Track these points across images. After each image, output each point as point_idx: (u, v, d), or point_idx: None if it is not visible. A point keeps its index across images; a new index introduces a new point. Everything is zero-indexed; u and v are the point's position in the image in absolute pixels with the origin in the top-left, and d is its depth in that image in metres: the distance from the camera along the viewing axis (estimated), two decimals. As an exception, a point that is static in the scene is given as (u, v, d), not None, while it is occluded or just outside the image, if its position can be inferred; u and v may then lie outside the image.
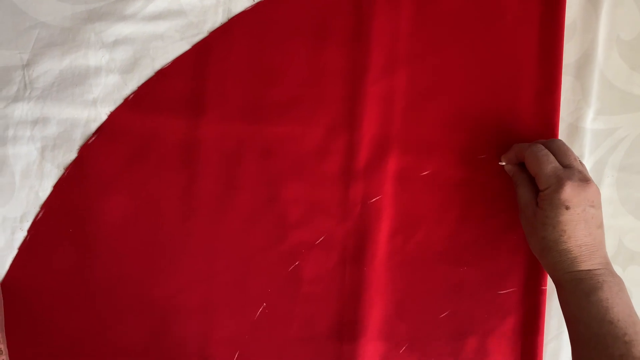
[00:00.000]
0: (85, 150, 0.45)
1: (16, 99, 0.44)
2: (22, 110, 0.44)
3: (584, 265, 0.41)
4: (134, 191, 0.46)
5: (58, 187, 0.45)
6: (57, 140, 0.45)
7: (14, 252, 0.45)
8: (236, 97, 0.46)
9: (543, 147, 0.43)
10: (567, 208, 0.40)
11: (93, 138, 0.45)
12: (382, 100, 0.47)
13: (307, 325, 0.47)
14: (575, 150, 0.47)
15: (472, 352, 0.48)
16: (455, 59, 0.48)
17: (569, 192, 0.40)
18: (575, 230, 0.40)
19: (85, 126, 0.45)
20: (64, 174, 0.45)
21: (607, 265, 0.42)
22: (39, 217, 0.45)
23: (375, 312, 0.48)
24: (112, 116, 0.45)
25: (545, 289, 0.49)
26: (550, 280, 0.49)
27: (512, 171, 0.46)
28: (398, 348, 0.48)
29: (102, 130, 0.45)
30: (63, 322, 0.45)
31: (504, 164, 0.47)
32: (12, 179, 0.44)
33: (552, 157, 0.42)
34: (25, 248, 0.45)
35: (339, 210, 0.48)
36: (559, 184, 0.40)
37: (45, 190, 0.45)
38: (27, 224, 0.45)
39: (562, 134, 0.49)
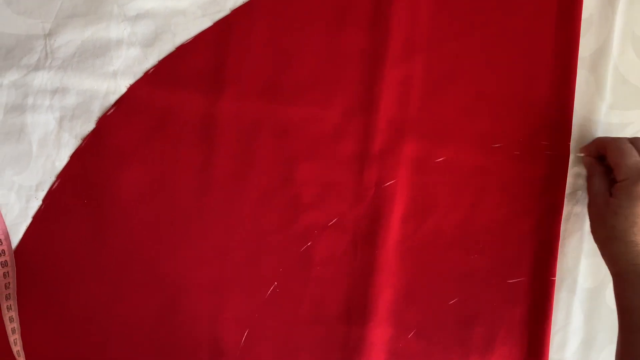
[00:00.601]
0: (104, 121, 0.45)
1: (37, 67, 0.44)
2: (42, 79, 0.44)
3: None
4: (150, 165, 0.46)
5: (75, 157, 0.45)
6: (76, 111, 0.45)
7: (28, 221, 0.45)
8: (255, 75, 0.47)
9: (627, 141, 0.44)
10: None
11: (112, 110, 0.45)
12: (399, 84, 0.48)
13: (317, 306, 0.47)
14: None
15: (479, 340, 0.49)
16: (473, 47, 0.48)
17: None
18: (630, 238, 0.41)
19: (104, 98, 0.45)
20: (81, 144, 0.45)
21: None
22: (54, 186, 0.45)
23: (385, 296, 0.48)
24: (132, 89, 0.45)
25: (554, 279, 0.49)
26: (559, 271, 0.49)
27: (589, 162, 0.47)
28: (406, 334, 0.48)
29: (121, 102, 0.45)
30: (74, 293, 0.45)
31: (582, 155, 0.48)
32: (30, 147, 0.44)
33: (635, 152, 0.43)
34: (39, 217, 0.45)
35: (353, 193, 0.48)
36: (638, 176, 0.41)
37: (61, 160, 0.45)
38: (42, 193, 0.45)
39: (575, 127, 0.49)
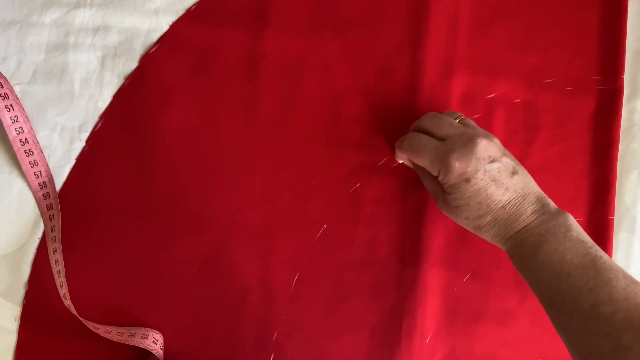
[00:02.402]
0: (146, 59, 0.44)
1: (77, 5, 0.43)
2: (83, 17, 0.43)
3: (518, 224, 0.37)
4: (194, 103, 0.44)
5: (118, 96, 0.44)
6: (118, 49, 0.44)
7: (71, 163, 0.43)
8: (300, 10, 0.45)
9: (415, 134, 0.40)
10: (468, 180, 0.36)
11: (154, 48, 0.44)
12: (447, 19, 0.46)
13: (368, 248, 0.46)
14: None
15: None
16: (523, -22, 0.47)
17: (458, 165, 0.36)
18: (489, 197, 0.37)
19: (146, 36, 0.44)
20: (124, 83, 0.44)
21: (543, 207, 0.37)
22: (97, 127, 0.44)
23: (438, 237, 0.46)
24: (174, 27, 0.44)
25: (612, 219, 0.47)
26: (617, 209, 0.48)
27: (412, 164, 0.44)
28: (461, 276, 0.47)
29: (164, 40, 0.44)
30: (120, 237, 0.44)
31: (401, 162, 0.45)
32: (72, 87, 0.43)
33: (427, 139, 0.39)
34: (83, 159, 0.44)
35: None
36: (444, 164, 0.37)
37: (104, 100, 0.44)
38: (85, 134, 0.44)
39: (628, 60, 0.48)
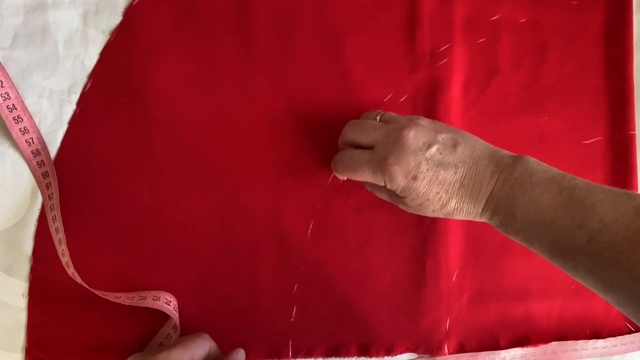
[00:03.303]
0: (131, 12, 0.42)
1: (52, -39, 0.41)
2: (59, -27, 0.41)
3: (484, 194, 0.34)
4: (186, 54, 0.42)
5: (105, 54, 0.42)
6: (100, 4, 0.41)
7: (64, 127, 0.41)
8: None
9: (344, 153, 0.37)
10: (415, 178, 0.34)
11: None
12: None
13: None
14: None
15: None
16: None
17: (398, 169, 0.34)
18: (443, 183, 0.34)
19: (127, -13, 0.42)
20: (110, 39, 0.42)
21: (498, 163, 0.34)
22: (87, 88, 0.42)
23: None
24: (156, -25, 0.42)
25: (634, 134, 0.45)
26: (638, 123, 0.45)
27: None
28: (482, 208, 0.44)
29: (147, -10, 0.42)
30: (122, 199, 0.42)
31: (345, 178, 0.43)
32: (55, 49, 0.41)
33: (357, 154, 0.36)
34: (75, 122, 0.41)
35: (406, 62, 0.44)
36: (384, 173, 0.34)
37: (91, 58, 0.41)
38: (75, 97, 0.41)
39: (636, -33, 0.45)
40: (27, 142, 0.40)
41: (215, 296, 0.42)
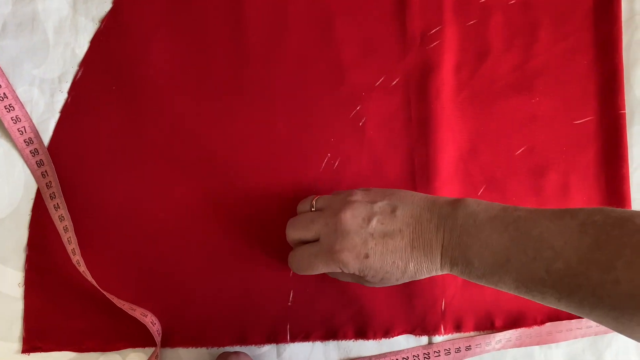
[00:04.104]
0: (120, -2, 0.42)
1: (40, -52, 0.41)
2: (47, -40, 0.41)
3: (436, 250, 0.34)
4: (177, 40, 0.42)
5: (95, 41, 0.41)
6: (89, -9, 0.41)
7: (56, 116, 0.41)
8: None
9: (294, 254, 0.37)
10: (367, 256, 0.34)
11: (127, -15, 0.42)
12: None
13: (375, 170, 0.44)
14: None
15: (553, 187, 0.45)
16: None
17: (347, 254, 0.34)
18: (394, 251, 0.34)
19: (117, -26, 0.42)
20: (100, 27, 0.41)
21: (439, 214, 0.34)
22: (78, 76, 0.41)
23: (448, 152, 0.44)
24: (145, -39, 0.42)
25: (624, 112, 0.46)
26: (628, 103, 0.46)
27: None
28: (476, 190, 0.45)
29: (136, -24, 0.42)
30: (116, 188, 0.42)
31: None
32: (45, 37, 0.41)
33: (306, 252, 0.36)
34: (67, 111, 0.41)
35: (397, 46, 0.44)
36: (337, 261, 0.34)
37: (81, 46, 0.41)
38: (66, 85, 0.41)
39: (624, -54, 0.46)
40: (19, 131, 0.40)
41: (212, 282, 0.42)
